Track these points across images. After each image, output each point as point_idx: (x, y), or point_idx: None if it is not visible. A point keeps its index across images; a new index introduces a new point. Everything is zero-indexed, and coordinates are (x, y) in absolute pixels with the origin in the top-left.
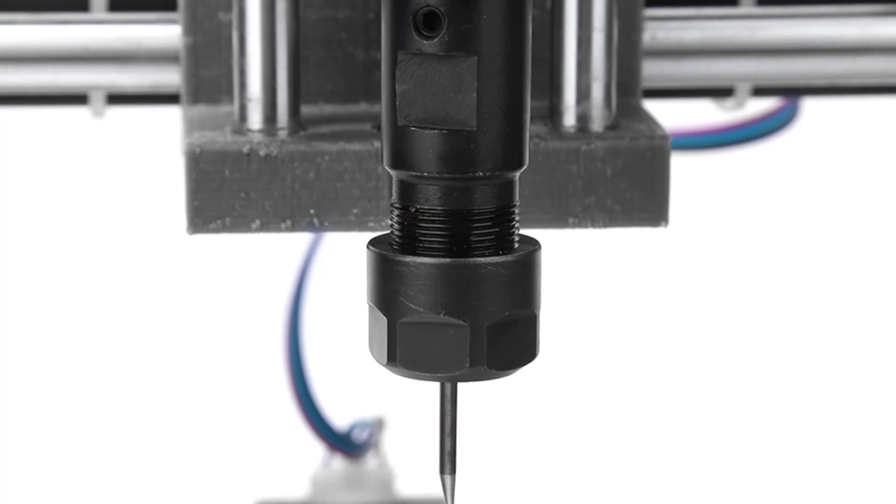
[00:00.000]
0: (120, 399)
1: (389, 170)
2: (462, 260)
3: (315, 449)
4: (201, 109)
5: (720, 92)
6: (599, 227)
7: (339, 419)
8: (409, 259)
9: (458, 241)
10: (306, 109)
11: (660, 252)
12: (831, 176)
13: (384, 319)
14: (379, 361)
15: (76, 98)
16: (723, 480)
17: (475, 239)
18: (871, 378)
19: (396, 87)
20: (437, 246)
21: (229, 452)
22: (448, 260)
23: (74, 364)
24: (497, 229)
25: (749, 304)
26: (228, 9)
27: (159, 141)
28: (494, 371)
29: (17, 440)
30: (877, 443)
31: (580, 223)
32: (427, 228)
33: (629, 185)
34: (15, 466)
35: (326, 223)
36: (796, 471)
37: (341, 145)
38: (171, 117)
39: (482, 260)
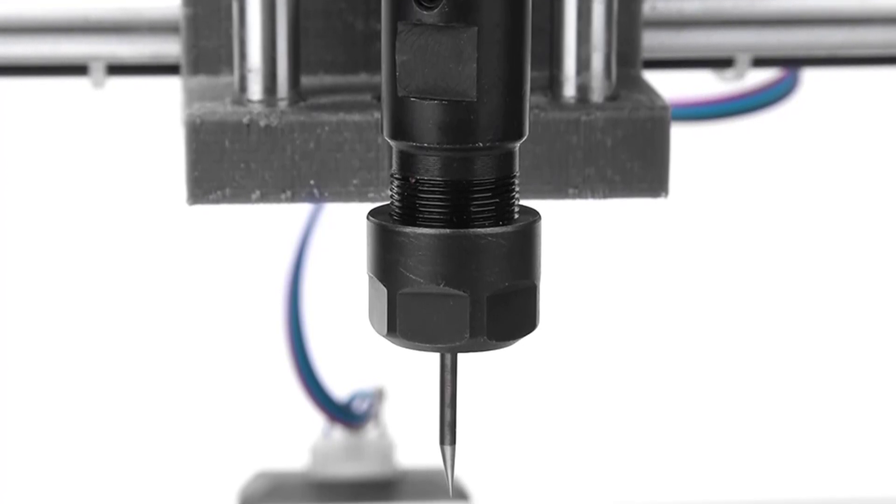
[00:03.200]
0: (119, 371)
1: (389, 140)
2: (462, 231)
3: (315, 420)
4: (201, 80)
5: (720, 62)
6: (599, 197)
7: (339, 390)
8: (409, 230)
9: (458, 212)
10: (306, 80)
11: (659, 223)
12: (831, 147)
13: (384, 290)
14: (379, 332)
15: (76, 69)
16: (722, 457)
17: (475, 210)
18: (870, 349)
19: (396, 57)
20: (437, 217)
21: (229, 424)
22: (448, 231)
23: (72, 334)
24: (497, 200)
25: (748, 275)
26: None
27: (159, 112)
28: (494, 342)
29: (9, 404)
30: (876, 409)
31: (580, 194)
32: (427, 199)
33: (629, 156)
34: (6, 431)
35: (326, 194)
36: (795, 434)
37: (341, 116)
38: (171, 88)
39: (482, 231)
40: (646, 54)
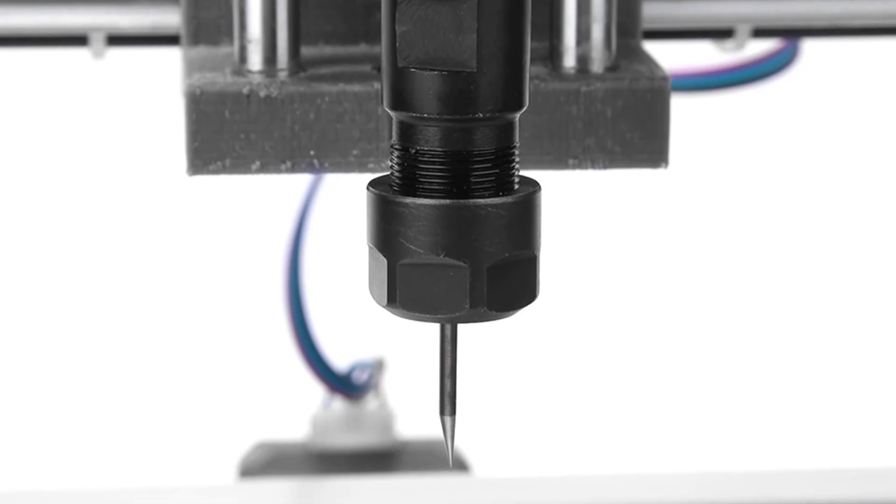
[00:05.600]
0: (119, 341)
1: (389, 111)
2: (462, 201)
3: (315, 390)
4: (201, 51)
5: (720, 33)
6: (599, 168)
7: (340, 361)
8: (409, 200)
9: (458, 183)
10: (306, 51)
11: (659, 193)
12: (831, 118)
13: (384, 261)
14: (379, 303)
15: (76, 39)
16: (720, 434)
17: (475, 180)
18: (870, 318)
19: (396, 28)
20: (437, 187)
21: (229, 394)
22: (448, 201)
23: (74, 303)
24: (497, 170)
25: (748, 244)
26: None
27: (159, 82)
28: (494, 312)
29: (4, 374)
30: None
31: (580, 164)
32: (427, 170)
33: (629, 127)
34: (4, 403)
35: (326, 164)
36: (796, 412)
37: (341, 86)
38: (171, 58)
39: (482, 201)
40: (646, 25)
